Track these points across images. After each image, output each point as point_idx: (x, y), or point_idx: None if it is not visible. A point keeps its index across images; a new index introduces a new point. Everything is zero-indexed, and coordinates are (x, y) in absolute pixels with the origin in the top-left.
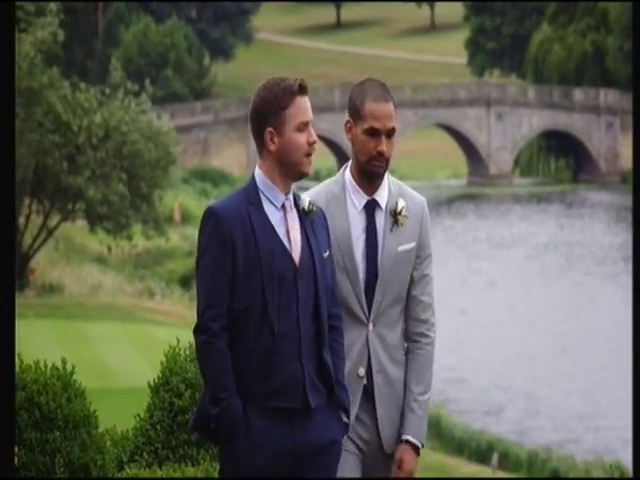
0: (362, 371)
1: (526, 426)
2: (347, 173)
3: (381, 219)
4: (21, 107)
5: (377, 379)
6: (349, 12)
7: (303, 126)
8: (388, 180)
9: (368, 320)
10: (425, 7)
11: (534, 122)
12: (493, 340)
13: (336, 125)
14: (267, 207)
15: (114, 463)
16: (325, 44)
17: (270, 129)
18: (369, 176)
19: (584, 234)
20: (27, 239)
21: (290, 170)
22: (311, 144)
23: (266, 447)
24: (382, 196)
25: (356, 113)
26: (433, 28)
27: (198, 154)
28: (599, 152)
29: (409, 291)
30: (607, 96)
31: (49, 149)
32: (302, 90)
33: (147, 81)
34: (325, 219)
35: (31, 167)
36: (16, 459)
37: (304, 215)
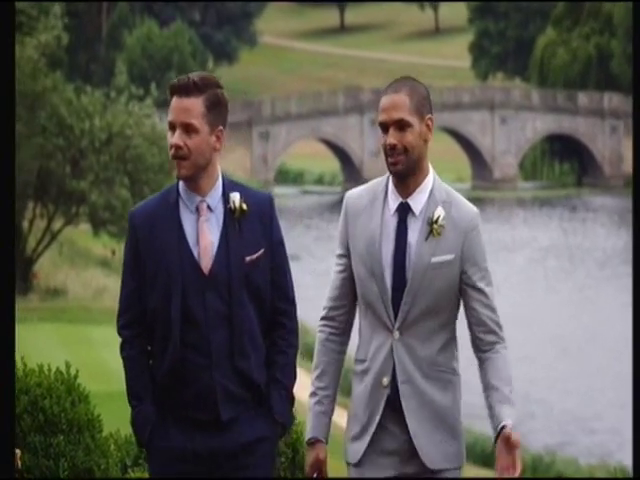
0: (386, 380)
1: (527, 428)
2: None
3: (416, 226)
4: (24, 111)
5: (403, 389)
6: (353, 15)
7: (171, 127)
8: (433, 185)
9: (394, 328)
10: (429, 10)
11: (538, 126)
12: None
13: (340, 129)
14: (183, 211)
15: (118, 467)
16: (329, 47)
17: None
18: (394, 175)
19: (587, 238)
20: (31, 243)
21: None
22: (172, 147)
23: (181, 453)
24: (418, 201)
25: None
26: (437, 31)
27: None
28: (603, 156)
29: (467, 307)
30: (611, 100)
31: (53, 153)
32: (176, 91)
33: (153, 85)
34: (265, 213)
35: (35, 171)
36: (19, 462)
37: (231, 215)
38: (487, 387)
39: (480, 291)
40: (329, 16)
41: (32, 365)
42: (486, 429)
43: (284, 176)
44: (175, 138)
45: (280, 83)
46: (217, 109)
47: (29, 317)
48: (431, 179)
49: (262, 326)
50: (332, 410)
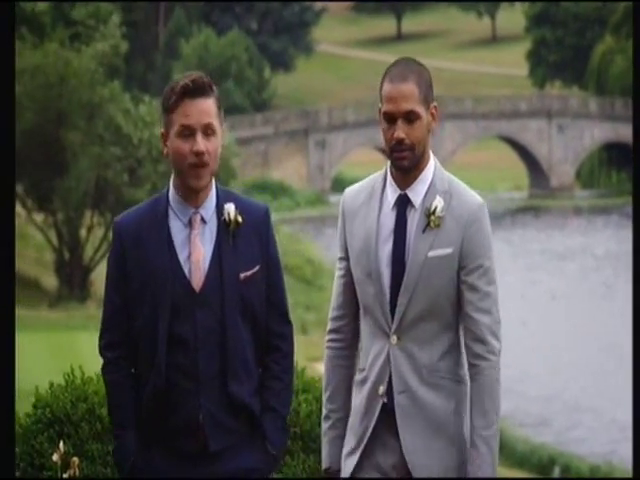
0: (382, 389)
1: (578, 436)
2: (388, 166)
3: (414, 218)
4: (82, 120)
5: (399, 400)
6: (410, 24)
7: (185, 131)
8: (434, 175)
9: (390, 332)
10: (486, 18)
11: (595, 134)
12: (553, 352)
13: None
14: (173, 222)
15: None
16: (386, 56)
17: (162, 130)
18: (399, 171)
19: None
20: (88, 251)
21: (182, 180)
22: (196, 154)
23: None
24: (417, 191)
25: (380, 98)
26: (494, 39)
27: (258, 166)
28: None
29: (461, 308)
30: None
31: (110, 162)
32: (189, 92)
33: None
34: (261, 226)
35: (92, 180)
36: (77, 470)
37: (225, 227)
38: (470, 420)
39: (475, 290)
40: (386, 24)
41: (90, 373)
42: (544, 438)
43: (340, 185)
44: (201, 143)
45: (337, 91)
46: (220, 110)
47: (87, 325)
48: (432, 168)
49: (256, 349)
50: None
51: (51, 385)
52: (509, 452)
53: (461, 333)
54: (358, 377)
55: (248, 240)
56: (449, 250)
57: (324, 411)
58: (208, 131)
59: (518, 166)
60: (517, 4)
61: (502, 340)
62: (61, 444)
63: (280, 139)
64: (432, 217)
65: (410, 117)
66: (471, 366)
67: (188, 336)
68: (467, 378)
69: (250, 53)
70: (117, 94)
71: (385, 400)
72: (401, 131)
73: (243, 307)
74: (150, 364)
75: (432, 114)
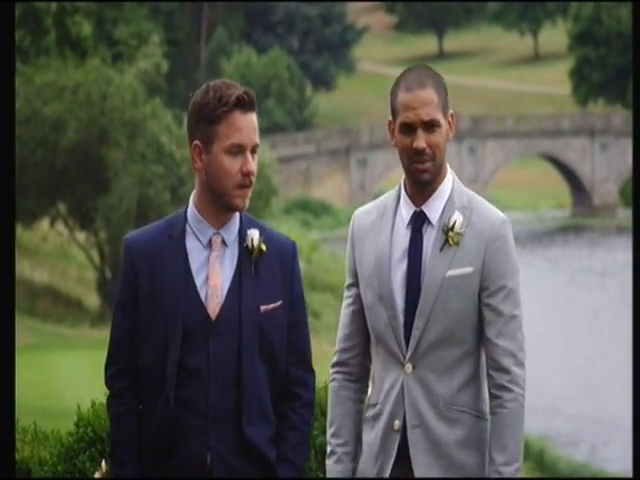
0: (397, 424)
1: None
2: (402, 182)
3: (431, 236)
4: (125, 138)
5: (413, 435)
6: (451, 42)
7: (236, 149)
8: (452, 190)
9: (405, 359)
10: (528, 37)
11: None
12: (597, 369)
13: None
14: (190, 243)
15: None
16: None
17: (197, 142)
18: (416, 183)
19: None
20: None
21: (218, 200)
22: (245, 174)
23: None
24: (434, 207)
25: (392, 110)
26: (536, 58)
27: (300, 185)
28: None
29: (483, 333)
30: None
31: (152, 180)
32: (242, 104)
33: None
34: (287, 260)
35: (134, 198)
36: (102, 474)
37: (247, 254)
38: (488, 454)
39: (499, 314)
40: (427, 43)
41: None
42: (585, 457)
43: None
44: (252, 163)
45: (378, 110)
46: None
47: None
48: (450, 182)
49: (273, 393)
50: (355, 469)
51: (93, 404)
52: (551, 472)
53: (483, 362)
54: (370, 413)
55: (271, 272)
56: (469, 269)
57: (328, 448)
58: (255, 150)
59: (560, 185)
60: (560, 23)
61: (540, 360)
62: (103, 463)
63: (321, 158)
64: (450, 233)
65: (431, 125)
66: (493, 397)
67: (200, 368)
68: (489, 414)
69: (291, 72)
70: (159, 111)
71: (400, 438)
72: (422, 140)
73: (261, 343)
74: (157, 396)
75: (449, 123)
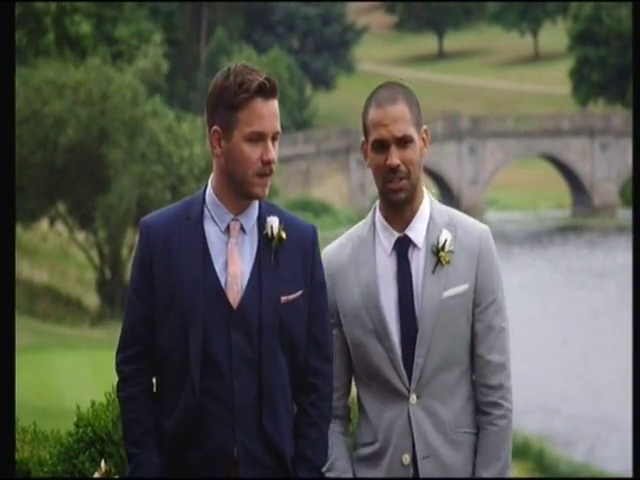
0: (407, 458)
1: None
2: (378, 209)
3: (419, 260)
4: (125, 138)
5: (424, 466)
6: (451, 42)
7: (256, 137)
8: (430, 208)
9: (409, 391)
10: (528, 37)
11: None
12: (596, 370)
13: (438, 156)
14: (208, 227)
15: None
16: (427, 74)
17: (217, 128)
18: (392, 205)
19: None
20: (130, 270)
21: (237, 187)
22: (265, 163)
23: None
24: (418, 230)
25: (365, 129)
26: (536, 58)
27: (299, 185)
28: None
29: (473, 349)
30: None
31: (152, 180)
32: (264, 91)
33: None
34: (307, 248)
35: (134, 198)
36: (102, 474)
37: (266, 242)
38: (473, 469)
39: (491, 329)
40: (427, 42)
41: None
42: (584, 457)
43: None
44: (272, 152)
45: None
46: None
47: None
48: (428, 202)
49: (293, 385)
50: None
51: (93, 404)
52: (550, 472)
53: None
54: (365, 452)
55: (292, 260)
56: (465, 286)
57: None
58: (276, 138)
59: (560, 185)
60: (560, 22)
61: (539, 360)
62: (102, 463)
63: (321, 158)
64: (442, 253)
65: (404, 141)
66: (482, 414)
67: (222, 358)
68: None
69: (291, 72)
70: (159, 109)
71: (412, 471)
72: (395, 157)
73: (282, 334)
74: (179, 386)
75: (423, 139)
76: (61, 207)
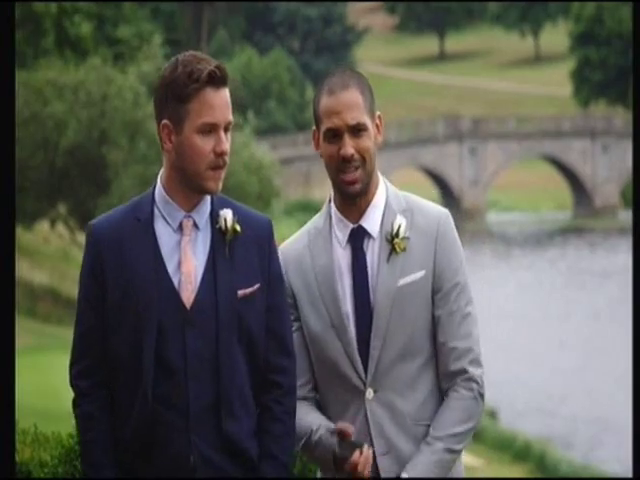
0: None
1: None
2: (330, 199)
3: (374, 249)
4: (126, 139)
5: (383, 463)
6: (452, 43)
7: (208, 128)
8: (387, 196)
9: (365, 385)
10: (529, 38)
11: None
12: (595, 371)
13: (439, 157)
14: (159, 227)
15: None
16: (428, 75)
17: (166, 121)
18: (346, 196)
19: None
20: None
21: (190, 182)
22: (218, 154)
23: None
24: (372, 219)
25: (316, 117)
26: (537, 59)
27: (300, 186)
28: None
29: (435, 338)
30: None
31: (152, 181)
32: (214, 80)
33: (251, 113)
34: (263, 240)
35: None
36: None
37: (220, 237)
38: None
39: (454, 314)
40: (428, 43)
41: None
42: (586, 462)
43: None
44: (225, 143)
45: (379, 111)
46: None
47: None
48: (384, 189)
49: (254, 383)
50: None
51: None
52: (551, 473)
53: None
54: None
55: (247, 253)
56: (421, 273)
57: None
58: (229, 128)
59: (562, 186)
60: (561, 23)
61: (539, 361)
62: None
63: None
64: (396, 240)
65: (357, 130)
66: (449, 392)
67: (177, 362)
68: None
69: (292, 73)
70: None
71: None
72: (349, 146)
73: (240, 330)
74: (133, 393)
75: (377, 126)
76: (62, 208)
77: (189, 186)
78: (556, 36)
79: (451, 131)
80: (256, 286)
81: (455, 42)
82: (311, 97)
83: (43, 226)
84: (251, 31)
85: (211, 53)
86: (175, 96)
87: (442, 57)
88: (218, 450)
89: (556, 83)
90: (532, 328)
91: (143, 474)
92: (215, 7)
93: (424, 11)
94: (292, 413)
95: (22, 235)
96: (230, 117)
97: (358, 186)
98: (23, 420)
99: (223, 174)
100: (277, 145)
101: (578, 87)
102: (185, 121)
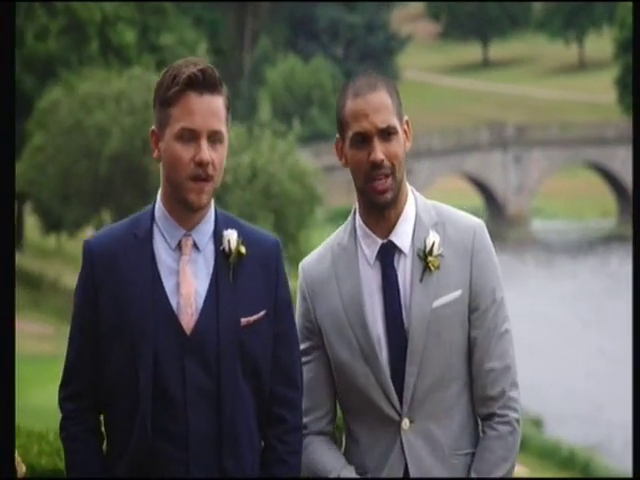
0: None
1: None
2: (355, 213)
3: (406, 267)
4: None
5: None
6: (496, 50)
7: (188, 135)
8: (416, 208)
9: (401, 415)
10: (573, 45)
11: None
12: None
13: (483, 165)
14: (158, 245)
15: None
16: (472, 82)
17: (154, 128)
18: (376, 207)
19: None
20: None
21: (175, 194)
22: (198, 164)
23: None
24: (403, 234)
25: (340, 124)
26: (581, 66)
27: (344, 194)
28: None
29: (470, 359)
30: None
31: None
32: (195, 84)
33: (296, 120)
34: (270, 263)
35: None
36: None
37: (224, 259)
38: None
39: (491, 333)
40: (472, 51)
41: None
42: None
43: None
44: (206, 151)
45: (422, 118)
46: (229, 113)
47: None
48: (413, 200)
49: (259, 416)
50: None
51: None
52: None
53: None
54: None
55: (253, 278)
56: (457, 293)
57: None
58: (215, 138)
59: (606, 193)
60: (605, 30)
61: (579, 369)
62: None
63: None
64: (430, 258)
65: (387, 133)
66: (486, 427)
67: (175, 391)
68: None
69: (335, 80)
70: None
71: None
72: (379, 151)
73: (243, 360)
74: (130, 422)
75: (405, 131)
76: (106, 215)
77: (176, 199)
78: (600, 43)
79: (495, 138)
80: (261, 313)
81: (499, 49)
82: None
83: (87, 233)
84: (294, 38)
85: (255, 60)
86: (160, 100)
87: (486, 64)
88: None
89: (600, 90)
90: (572, 336)
91: None
92: (258, 15)
93: (467, 18)
94: (297, 452)
95: (67, 242)
96: (215, 126)
97: (389, 195)
98: (23, 418)
99: (208, 187)
100: (320, 152)
101: (622, 94)
102: (167, 126)
